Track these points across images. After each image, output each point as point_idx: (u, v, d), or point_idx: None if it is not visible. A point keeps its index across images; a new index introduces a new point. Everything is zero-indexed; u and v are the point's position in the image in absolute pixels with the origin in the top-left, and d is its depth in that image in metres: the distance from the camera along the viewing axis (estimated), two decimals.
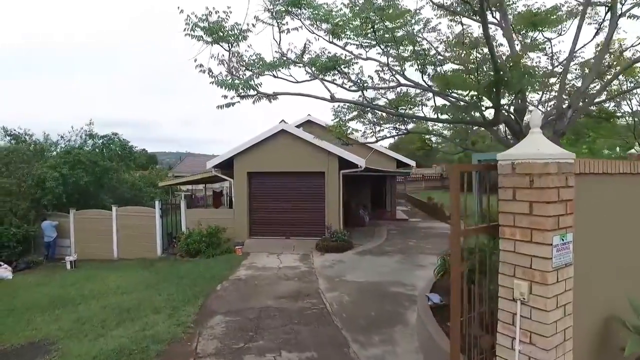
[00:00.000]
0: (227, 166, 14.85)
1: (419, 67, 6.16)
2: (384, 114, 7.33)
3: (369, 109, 7.17)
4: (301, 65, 5.98)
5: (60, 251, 15.39)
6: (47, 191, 15.56)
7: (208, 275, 10.20)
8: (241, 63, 5.46)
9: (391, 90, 7.08)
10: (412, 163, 21.49)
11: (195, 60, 5.42)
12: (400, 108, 6.97)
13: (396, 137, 9.59)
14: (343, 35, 6.27)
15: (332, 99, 6.36)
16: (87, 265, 13.95)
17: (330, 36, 6.28)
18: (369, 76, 6.51)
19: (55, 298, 9.39)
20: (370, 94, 6.94)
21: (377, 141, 8.47)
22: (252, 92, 5.44)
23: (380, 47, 6.40)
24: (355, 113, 7.52)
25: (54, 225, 15.26)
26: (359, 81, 6.19)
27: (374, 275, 9.92)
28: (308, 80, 5.99)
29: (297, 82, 6.08)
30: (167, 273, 11.19)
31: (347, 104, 7.34)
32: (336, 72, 5.99)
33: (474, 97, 5.87)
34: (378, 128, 7.83)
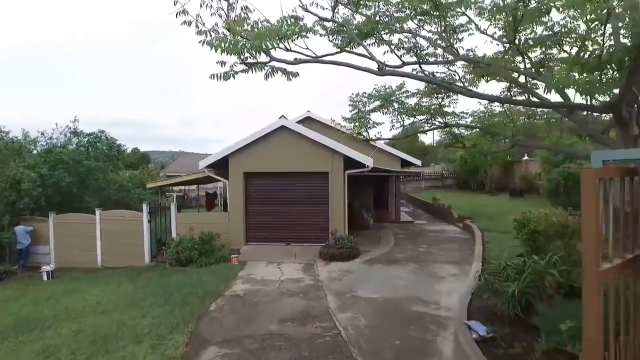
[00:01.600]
0: (221, 166, 13.61)
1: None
2: (413, 104, 6.16)
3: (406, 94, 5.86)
4: (330, 26, 4.61)
5: (38, 259, 14.10)
6: (24, 193, 14.22)
7: (200, 291, 8.97)
8: (247, 16, 4.17)
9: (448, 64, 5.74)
10: (418, 162, 20.38)
11: (179, 14, 3.99)
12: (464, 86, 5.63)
13: (427, 133, 8.43)
14: None
15: (381, 69, 4.96)
16: (67, 275, 12.67)
17: None
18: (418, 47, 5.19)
19: (22, 319, 8.13)
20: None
21: (407, 137, 7.28)
22: (263, 59, 4.10)
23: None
24: (377, 103, 6.32)
25: (28, 231, 13.95)
26: (413, 49, 4.90)
27: (389, 289, 8.75)
28: (339, 51, 4.69)
29: (319, 58, 4.74)
30: (155, 287, 9.94)
31: (365, 93, 6.13)
32: (377, 39, 4.71)
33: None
34: (407, 121, 6.63)
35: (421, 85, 6.13)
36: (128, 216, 14.11)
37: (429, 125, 6.79)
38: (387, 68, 4.91)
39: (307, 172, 13.17)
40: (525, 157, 27.10)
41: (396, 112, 6.50)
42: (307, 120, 18.63)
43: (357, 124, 6.19)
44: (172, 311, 7.68)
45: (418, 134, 8.63)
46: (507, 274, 5.68)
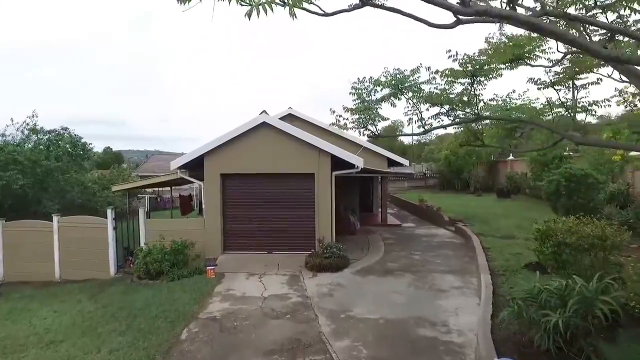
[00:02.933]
0: (196, 166, 12.29)
1: None
2: (434, 91, 5.00)
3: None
4: None
5: None
6: None
7: (170, 313, 7.70)
8: None
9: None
10: (406, 162, 19.46)
11: None
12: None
13: (458, 127, 7.16)
14: None
15: (464, 4, 3.26)
16: (17, 290, 11.15)
17: None
18: None
19: None
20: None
21: (425, 132, 6.14)
22: None
23: None
24: (386, 91, 5.18)
25: None
26: None
27: (388, 307, 7.69)
28: None
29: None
30: (118, 306, 8.59)
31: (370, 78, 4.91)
32: None
33: None
34: (428, 112, 5.48)
35: (440, 64, 5.06)
36: (91, 222, 12.62)
37: (450, 118, 5.67)
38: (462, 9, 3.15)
39: (291, 174, 12.01)
40: (511, 157, 26.61)
41: (413, 100, 5.33)
42: (289, 118, 17.45)
43: (362, 116, 5.06)
44: (135, 342, 6.40)
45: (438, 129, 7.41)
46: (543, 300, 4.67)
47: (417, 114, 5.40)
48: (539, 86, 5.82)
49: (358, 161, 11.81)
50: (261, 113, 12.01)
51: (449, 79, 5.04)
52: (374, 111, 5.16)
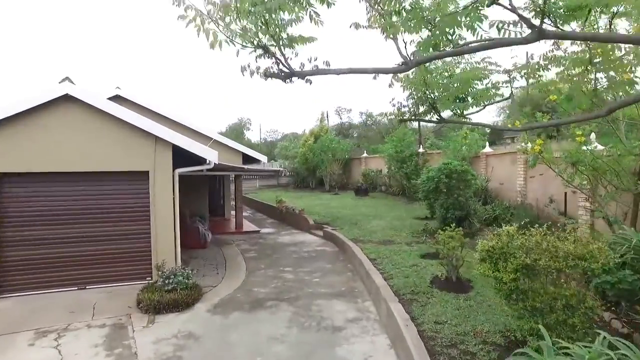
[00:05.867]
0: None
1: None
2: None
3: None
4: None
5: None
6: None
7: None
8: None
9: None
10: (264, 158, 16.96)
11: None
12: None
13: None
14: None
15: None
16: None
17: None
18: None
19: None
20: None
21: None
22: None
23: None
24: None
25: None
26: None
27: None
28: None
29: None
30: None
31: None
32: None
33: None
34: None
35: None
36: None
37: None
38: None
39: (113, 172, 8.41)
40: (365, 154, 26.52)
41: None
42: (117, 101, 13.34)
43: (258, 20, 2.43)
44: None
45: None
46: None
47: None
48: None
49: (211, 155, 8.86)
50: (63, 80, 8.02)
51: None
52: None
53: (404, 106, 4.77)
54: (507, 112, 33.25)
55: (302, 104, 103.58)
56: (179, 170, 8.97)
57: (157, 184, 8.53)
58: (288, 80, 3.82)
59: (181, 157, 9.23)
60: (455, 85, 4.15)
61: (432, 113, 4.27)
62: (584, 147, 6.78)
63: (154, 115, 13.72)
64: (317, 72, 3.77)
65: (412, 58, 3.50)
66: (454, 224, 7.40)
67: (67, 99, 7.86)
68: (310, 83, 3.91)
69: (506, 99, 4.51)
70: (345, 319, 6.72)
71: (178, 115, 14.99)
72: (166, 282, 7.66)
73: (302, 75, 3.79)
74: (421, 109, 4.48)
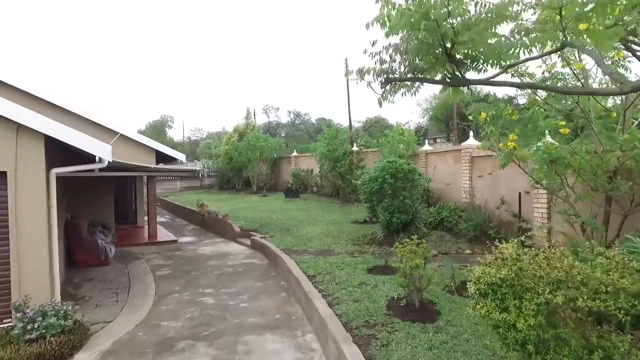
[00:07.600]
0: None
1: None
2: None
3: None
4: None
5: None
6: None
7: None
8: None
9: None
10: (182, 157, 14.64)
11: None
12: None
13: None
14: None
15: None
16: None
17: None
18: None
19: None
20: None
21: None
22: None
23: None
24: None
25: None
26: None
27: None
28: None
29: None
30: None
31: None
32: None
33: None
34: None
35: None
36: None
37: None
38: None
39: None
40: (295, 153, 24.95)
41: None
42: None
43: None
44: None
45: None
46: None
47: None
48: None
49: (102, 151, 6.71)
50: None
51: None
52: None
53: (387, 61, 3.24)
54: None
55: (228, 101, 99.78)
56: (56, 171, 6.73)
57: (20, 190, 6.21)
58: None
59: (71, 154, 7.03)
60: (489, 15, 2.71)
61: (439, 69, 2.81)
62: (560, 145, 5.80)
63: (41, 104, 11.10)
64: None
65: None
66: (400, 230, 6.09)
67: None
68: None
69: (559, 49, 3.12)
70: None
71: (77, 106, 12.29)
72: (28, 327, 5.45)
73: None
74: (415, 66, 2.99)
